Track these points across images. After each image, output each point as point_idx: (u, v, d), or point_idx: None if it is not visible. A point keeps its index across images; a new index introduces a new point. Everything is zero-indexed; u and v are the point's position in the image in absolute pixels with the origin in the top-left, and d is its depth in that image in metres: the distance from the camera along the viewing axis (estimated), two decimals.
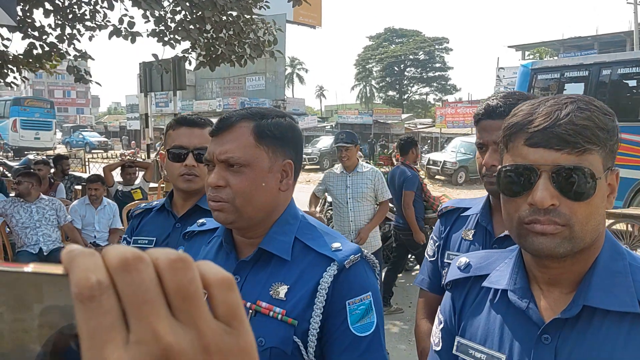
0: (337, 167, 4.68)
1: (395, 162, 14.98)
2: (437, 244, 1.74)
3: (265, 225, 1.25)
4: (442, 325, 1.15)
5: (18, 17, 6.50)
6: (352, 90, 69.68)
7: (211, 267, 0.34)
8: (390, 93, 65.95)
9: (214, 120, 1.41)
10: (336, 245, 1.21)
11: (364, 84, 67.99)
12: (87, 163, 19.11)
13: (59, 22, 6.88)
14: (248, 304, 1.18)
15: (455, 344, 1.08)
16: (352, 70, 71.52)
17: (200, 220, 1.48)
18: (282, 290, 1.18)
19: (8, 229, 4.99)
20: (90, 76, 7.32)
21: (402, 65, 63.45)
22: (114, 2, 6.12)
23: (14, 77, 7.19)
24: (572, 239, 0.88)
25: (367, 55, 66.32)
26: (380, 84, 66.33)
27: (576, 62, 9.71)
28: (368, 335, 1.18)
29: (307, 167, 23.34)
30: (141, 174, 6.51)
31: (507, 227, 0.98)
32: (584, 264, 0.93)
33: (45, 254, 4.87)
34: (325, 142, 25.42)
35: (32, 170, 5.55)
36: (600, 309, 0.89)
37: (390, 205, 5.26)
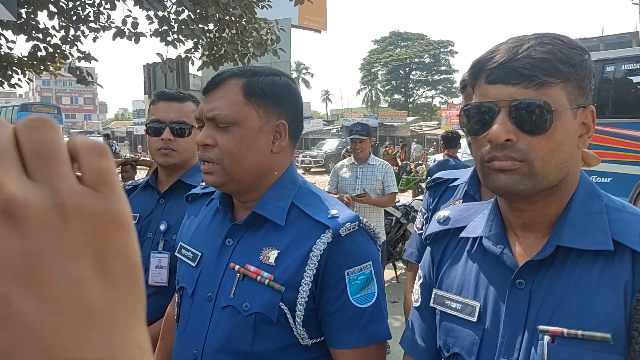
0: (348, 160, 4.66)
1: (399, 163, 14.97)
2: (425, 216, 1.72)
3: (261, 190, 1.21)
4: (421, 281, 1.12)
5: (22, 19, 6.55)
6: (358, 94, 69.79)
7: (84, 137, 0.32)
8: (396, 96, 65.95)
9: None
10: (333, 212, 1.17)
11: (370, 87, 68.02)
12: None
13: (63, 24, 6.91)
14: (236, 267, 1.16)
15: (432, 296, 1.06)
16: (358, 74, 71.57)
17: (203, 183, 1.45)
18: (272, 255, 1.14)
19: None
20: (92, 77, 7.35)
21: (407, 69, 63.50)
22: (116, 2, 6.14)
23: (18, 79, 7.23)
24: (533, 176, 0.86)
25: (372, 59, 66.39)
26: (386, 88, 66.36)
27: None
28: (369, 306, 1.14)
29: (312, 169, 23.34)
30: (142, 172, 6.53)
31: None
32: (558, 206, 0.91)
33: None
34: (331, 144, 25.41)
35: None
36: (575, 250, 0.87)
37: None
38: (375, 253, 1.21)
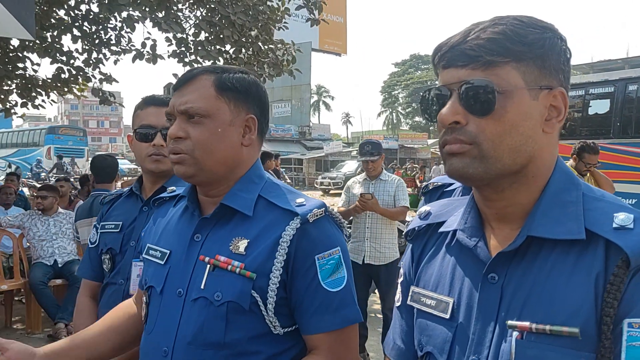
0: (360, 176, 4.66)
1: (418, 184, 14.87)
2: None
3: (228, 183, 1.23)
4: (401, 279, 1.09)
5: (47, 43, 6.76)
6: (379, 117, 69.98)
7: None
8: (417, 119, 65.85)
9: None
10: (300, 200, 1.19)
11: (390, 110, 68.17)
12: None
13: (86, 47, 7.12)
14: (207, 259, 1.16)
15: (410, 293, 1.02)
16: (378, 97, 71.79)
17: (171, 188, 1.48)
18: (242, 245, 1.15)
19: (27, 244, 5.10)
20: (115, 98, 7.52)
21: None
22: (135, 25, 6.30)
23: (42, 100, 7.43)
24: (483, 159, 0.82)
25: (392, 82, 66.67)
26: (407, 110, 66.38)
27: (601, 79, 9.52)
28: (340, 290, 1.16)
29: (332, 191, 23.28)
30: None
31: None
32: (529, 195, 0.87)
33: (59, 265, 4.95)
34: (350, 166, 25.39)
35: (53, 185, 5.71)
36: (549, 241, 0.82)
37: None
38: (342, 239, 1.23)
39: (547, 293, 0.80)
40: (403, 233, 1.19)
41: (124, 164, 38.05)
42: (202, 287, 1.15)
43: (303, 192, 1.28)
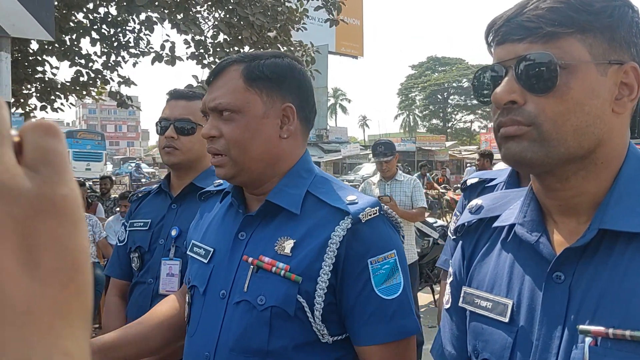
0: (375, 177, 4.62)
1: (438, 187, 14.69)
2: None
3: (274, 179, 1.15)
4: (451, 279, 1.00)
5: (66, 46, 6.77)
6: (396, 120, 69.74)
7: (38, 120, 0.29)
8: (434, 121, 65.54)
9: None
10: (351, 197, 1.10)
11: (407, 112, 67.88)
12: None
13: (105, 50, 7.13)
14: (250, 259, 1.09)
15: (462, 295, 0.93)
16: (395, 99, 71.62)
17: (217, 181, 1.41)
18: (288, 245, 1.07)
19: None
20: (132, 101, 7.52)
21: (445, 93, 63.12)
22: (153, 26, 6.28)
23: (61, 104, 7.46)
24: (544, 142, 0.74)
25: (409, 84, 66.38)
26: (424, 113, 66.08)
27: None
28: (395, 298, 1.06)
29: None
30: None
31: None
32: (599, 183, 0.77)
33: None
34: (368, 169, 25.34)
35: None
36: (624, 235, 0.72)
37: (431, 219, 5.06)
38: (399, 241, 1.13)
39: (625, 294, 0.70)
40: (452, 229, 1.10)
41: (142, 168, 38.48)
42: (244, 289, 1.07)
43: None
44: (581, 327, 0.72)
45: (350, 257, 1.05)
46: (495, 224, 0.91)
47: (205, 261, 1.19)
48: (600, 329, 0.70)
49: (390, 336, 1.05)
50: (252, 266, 1.08)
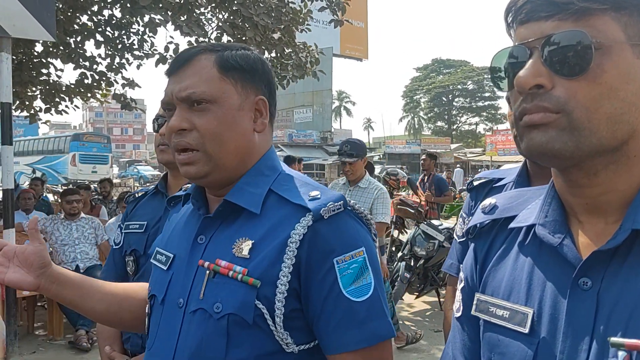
0: (342, 179, 4.33)
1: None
2: (467, 222, 1.53)
3: (237, 176, 1.07)
4: (462, 285, 0.91)
5: (70, 48, 6.77)
6: (400, 122, 69.62)
7: None
8: (439, 124, 65.36)
9: None
10: (314, 193, 1.01)
11: (412, 115, 67.74)
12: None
13: (109, 52, 7.13)
14: (206, 264, 1.00)
15: (474, 302, 0.85)
16: (400, 101, 71.54)
17: (186, 185, 1.33)
18: (246, 247, 0.98)
19: (50, 249, 5.06)
20: (136, 103, 7.51)
21: (450, 96, 62.97)
22: (157, 28, 6.26)
23: (66, 106, 7.46)
24: (575, 130, 0.66)
25: (414, 87, 66.27)
26: (429, 115, 65.91)
27: None
28: (366, 299, 0.97)
29: None
30: None
31: None
32: (630, 178, 0.70)
33: (81, 271, 4.88)
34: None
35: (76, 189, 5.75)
36: None
37: (436, 222, 4.94)
38: (368, 238, 1.04)
39: None
40: (463, 231, 1.04)
41: (147, 171, 38.55)
42: (200, 296, 0.99)
43: None
44: (613, 339, 0.65)
45: (313, 257, 0.97)
46: (512, 225, 0.83)
47: (165, 268, 1.11)
48: (636, 342, 0.63)
49: (362, 342, 0.96)
50: (208, 271, 1.00)
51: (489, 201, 0.90)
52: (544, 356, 0.72)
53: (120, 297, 1.22)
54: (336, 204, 1.00)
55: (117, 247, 1.83)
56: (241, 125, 1.04)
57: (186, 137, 1.02)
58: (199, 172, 1.03)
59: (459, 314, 0.91)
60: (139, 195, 1.90)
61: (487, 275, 0.85)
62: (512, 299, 0.78)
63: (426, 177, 7.50)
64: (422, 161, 7.75)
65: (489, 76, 0.78)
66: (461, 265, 0.95)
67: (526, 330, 0.74)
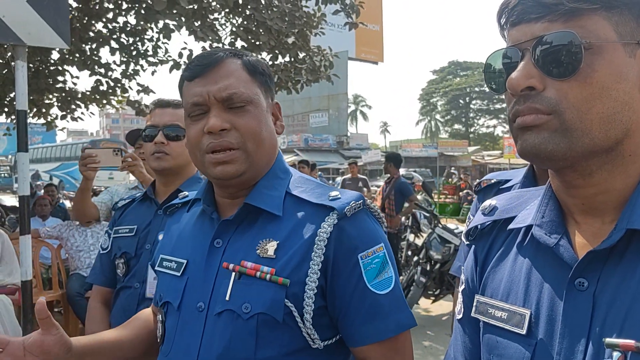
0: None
1: (460, 193, 14.50)
2: None
3: (260, 177, 1.11)
4: (462, 287, 0.93)
5: (85, 56, 6.83)
6: (417, 125, 69.50)
7: None
8: (456, 126, 65.06)
9: None
10: (334, 193, 1.06)
11: (429, 118, 67.55)
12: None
13: (124, 59, 7.19)
14: (231, 266, 1.02)
15: (474, 304, 0.86)
16: (417, 105, 71.37)
17: (182, 193, 1.36)
18: (271, 247, 1.02)
19: (66, 255, 5.09)
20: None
21: (467, 98, 62.64)
22: (171, 34, 6.29)
23: (82, 113, 7.53)
24: (567, 132, 0.66)
25: (431, 89, 66.10)
26: (446, 118, 65.67)
27: None
28: (389, 292, 1.03)
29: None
30: None
31: None
32: (625, 178, 0.70)
33: None
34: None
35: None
36: None
37: (452, 225, 4.90)
38: (384, 234, 1.10)
39: None
40: (463, 232, 1.03)
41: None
42: (227, 298, 1.00)
43: None
44: (608, 340, 0.65)
45: (340, 255, 1.01)
46: (511, 226, 0.84)
47: (178, 274, 1.11)
48: (630, 342, 0.63)
49: (388, 332, 1.01)
50: (234, 273, 1.02)
51: (489, 202, 0.91)
52: (541, 357, 0.73)
53: (134, 342, 1.22)
54: (357, 202, 1.04)
55: (104, 251, 1.89)
56: (270, 126, 1.11)
57: (227, 137, 1.04)
58: (238, 171, 1.05)
59: (460, 316, 0.93)
60: (127, 202, 1.97)
61: (486, 276, 0.86)
62: (510, 300, 0.79)
63: (387, 183, 6.86)
64: (382, 165, 7.37)
65: (486, 78, 0.79)
66: (463, 266, 0.96)
67: (524, 332, 0.76)
